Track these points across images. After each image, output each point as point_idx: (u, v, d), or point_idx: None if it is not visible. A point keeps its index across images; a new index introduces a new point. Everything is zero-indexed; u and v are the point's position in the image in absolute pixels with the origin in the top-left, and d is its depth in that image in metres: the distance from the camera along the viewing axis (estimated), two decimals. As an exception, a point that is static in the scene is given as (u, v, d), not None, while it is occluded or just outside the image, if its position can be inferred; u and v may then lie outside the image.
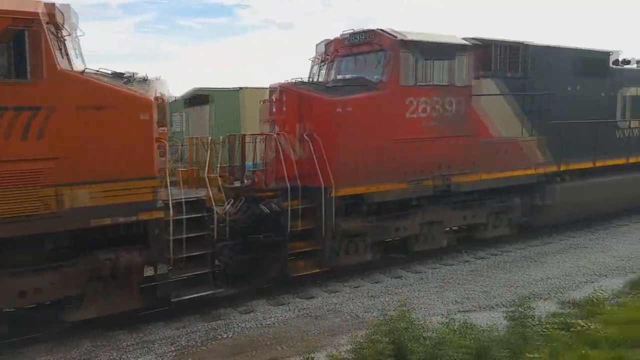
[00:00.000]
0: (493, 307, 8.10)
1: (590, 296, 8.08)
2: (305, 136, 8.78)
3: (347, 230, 9.08)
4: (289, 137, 8.96)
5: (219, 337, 7.19)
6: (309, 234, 8.76)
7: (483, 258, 10.80)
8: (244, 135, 9.53)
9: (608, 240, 12.25)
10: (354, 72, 10.00)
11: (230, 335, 7.23)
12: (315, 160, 8.59)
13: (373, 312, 7.81)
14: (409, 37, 9.46)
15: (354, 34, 9.98)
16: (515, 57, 11.16)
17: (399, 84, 9.35)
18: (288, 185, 8.42)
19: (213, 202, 7.88)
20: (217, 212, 7.96)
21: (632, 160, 13.80)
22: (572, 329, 6.90)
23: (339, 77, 10.11)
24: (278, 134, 9.02)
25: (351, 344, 6.38)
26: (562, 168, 12.07)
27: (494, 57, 10.81)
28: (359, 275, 9.56)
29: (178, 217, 7.35)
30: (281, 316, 7.87)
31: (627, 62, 14.60)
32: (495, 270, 10.03)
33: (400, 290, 8.89)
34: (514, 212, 11.58)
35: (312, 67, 10.93)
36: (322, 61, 10.62)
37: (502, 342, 6.19)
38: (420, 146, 9.61)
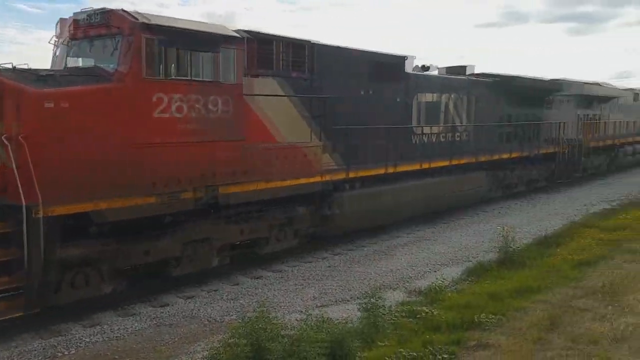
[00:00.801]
0: (348, 300, 8.40)
1: (433, 284, 8.77)
2: (3, 139, 6.69)
3: (68, 259, 7.23)
4: None
5: (59, 354, 6.46)
6: (14, 265, 6.73)
7: (340, 254, 11.18)
8: None
9: (448, 232, 13.42)
10: (89, 58, 8.44)
11: (72, 352, 6.54)
12: (15, 170, 6.55)
13: (232, 315, 7.64)
14: (154, 21, 7.93)
15: (90, 14, 8.23)
16: (301, 57, 10.23)
17: (142, 76, 7.75)
18: None
19: None
20: None
21: (425, 165, 13.60)
22: (418, 316, 7.42)
23: (75, 64, 8.52)
24: None
25: (208, 350, 6.15)
26: (351, 175, 11.41)
27: (276, 54, 9.74)
28: (217, 278, 9.30)
29: None
30: (131, 327, 7.32)
31: (427, 68, 14.89)
32: (351, 264, 10.44)
33: (260, 291, 8.82)
34: (301, 223, 10.64)
35: (54, 52, 9.02)
36: (61, 44, 8.81)
37: (356, 333, 6.44)
38: (175, 152, 8.03)
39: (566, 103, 21.01)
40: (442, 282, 8.87)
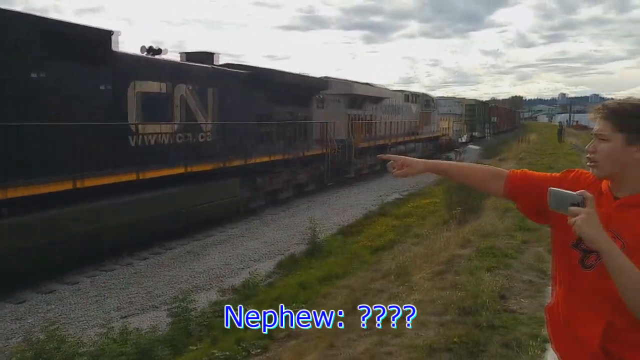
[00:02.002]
0: (157, 307, 7.95)
1: (247, 280, 8.80)
2: None
3: None
4: None
5: None
6: None
7: (147, 258, 10.51)
8: None
9: (261, 228, 13.60)
10: None
11: None
12: None
13: (18, 338, 6.64)
14: None
15: None
16: None
17: None
18: None
19: None
20: None
21: (146, 175, 10.13)
22: (231, 314, 7.37)
23: None
24: None
25: (-16, 383, 5.24)
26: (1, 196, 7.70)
27: None
28: (-3, 296, 8.00)
29: None
30: None
31: (158, 51, 11.62)
32: (159, 269, 9.90)
33: (52, 307, 7.82)
34: None
35: None
36: None
37: (165, 341, 6.13)
38: None
39: (336, 102, 20.39)
40: (256, 277, 8.95)
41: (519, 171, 2.13)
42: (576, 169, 2.06)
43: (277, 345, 6.29)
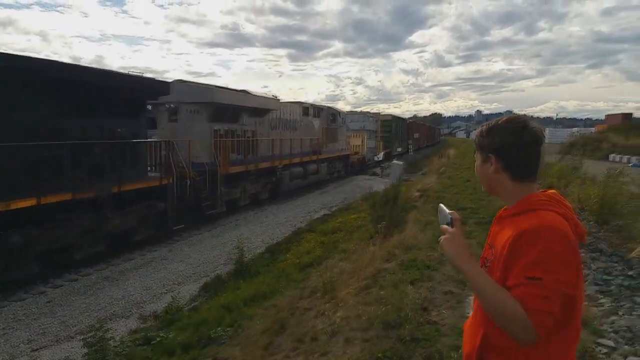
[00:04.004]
0: (72, 337, 7.47)
1: (169, 305, 8.47)
2: None
3: None
4: None
5: None
6: None
7: (61, 286, 9.86)
8: None
9: (185, 249, 13.18)
10: None
11: None
12: None
13: None
14: None
15: None
16: None
17: None
18: None
19: None
20: None
21: None
22: (152, 342, 7.03)
23: None
24: None
25: None
26: None
27: None
28: None
29: None
30: None
31: None
32: (74, 297, 9.31)
33: (-50, 345, 7.14)
34: None
35: None
36: None
37: (79, 375, 5.74)
38: None
39: (195, 114, 15.79)
40: (179, 301, 8.64)
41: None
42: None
43: (200, 372, 6.08)
